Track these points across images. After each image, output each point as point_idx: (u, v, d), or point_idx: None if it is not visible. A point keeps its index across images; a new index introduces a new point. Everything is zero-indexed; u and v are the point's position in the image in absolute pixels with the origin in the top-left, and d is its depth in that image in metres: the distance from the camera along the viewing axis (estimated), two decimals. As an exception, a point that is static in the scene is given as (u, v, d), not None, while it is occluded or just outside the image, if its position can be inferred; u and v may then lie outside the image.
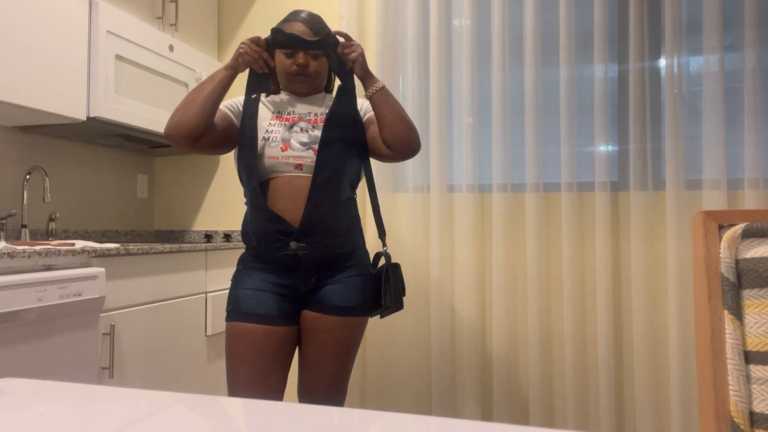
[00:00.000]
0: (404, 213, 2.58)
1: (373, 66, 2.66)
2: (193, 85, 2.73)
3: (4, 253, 1.58)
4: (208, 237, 2.88)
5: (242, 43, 1.62)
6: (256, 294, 1.60)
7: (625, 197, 2.35)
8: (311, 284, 1.63)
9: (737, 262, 0.99)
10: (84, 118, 2.18)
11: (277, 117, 1.68)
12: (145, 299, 2.09)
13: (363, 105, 1.75)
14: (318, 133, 1.64)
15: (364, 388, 2.63)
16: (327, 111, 1.69)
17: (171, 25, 2.66)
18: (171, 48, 2.59)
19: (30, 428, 0.49)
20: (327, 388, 1.64)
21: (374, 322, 2.61)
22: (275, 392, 1.58)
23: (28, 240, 2.30)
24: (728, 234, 1.00)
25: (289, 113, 1.70)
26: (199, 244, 2.36)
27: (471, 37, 2.50)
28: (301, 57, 1.65)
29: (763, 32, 2.20)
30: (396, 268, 1.71)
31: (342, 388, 1.68)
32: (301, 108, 1.72)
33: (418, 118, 2.56)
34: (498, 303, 2.42)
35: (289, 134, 1.64)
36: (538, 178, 2.41)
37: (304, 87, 1.70)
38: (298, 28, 1.66)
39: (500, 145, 2.44)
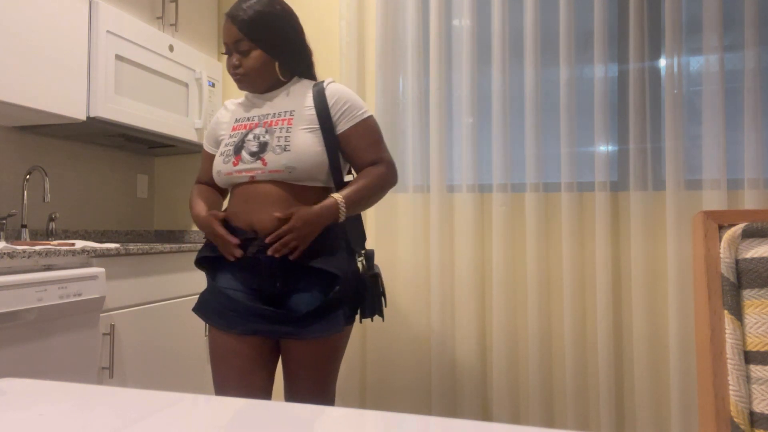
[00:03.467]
0: (404, 213, 2.58)
1: (373, 66, 2.66)
2: (193, 85, 2.73)
3: (4, 253, 1.58)
4: (208, 237, 2.88)
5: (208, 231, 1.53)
6: (229, 294, 1.52)
7: (625, 197, 2.35)
8: (277, 289, 1.50)
9: (737, 262, 0.99)
10: (84, 118, 2.18)
11: (236, 125, 1.61)
12: (145, 299, 2.09)
13: (335, 99, 1.55)
14: (268, 138, 1.51)
15: (364, 388, 2.63)
16: (288, 109, 1.55)
17: (171, 25, 2.66)
18: (171, 48, 2.59)
19: (30, 428, 0.49)
20: (312, 398, 1.56)
21: (374, 321, 2.61)
22: (259, 390, 1.52)
23: (28, 240, 2.30)
24: (728, 234, 0.99)
25: (247, 119, 1.60)
26: (199, 244, 2.36)
27: (471, 37, 2.50)
28: (234, 58, 1.55)
29: (763, 32, 2.19)
30: (375, 278, 1.58)
31: (328, 394, 1.59)
32: (261, 109, 1.60)
33: (418, 118, 2.56)
34: (498, 303, 2.42)
35: (242, 144, 1.54)
36: (538, 178, 2.41)
37: (247, 87, 1.59)
38: (226, 26, 1.55)
39: (500, 145, 2.44)
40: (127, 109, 2.34)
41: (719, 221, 1.02)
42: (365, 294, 1.56)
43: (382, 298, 1.61)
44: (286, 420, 0.53)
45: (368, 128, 1.58)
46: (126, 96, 2.34)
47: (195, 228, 3.07)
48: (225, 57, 1.58)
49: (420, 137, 2.56)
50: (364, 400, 2.61)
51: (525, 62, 2.43)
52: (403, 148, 2.60)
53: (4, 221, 2.21)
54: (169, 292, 2.21)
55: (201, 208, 1.61)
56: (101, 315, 1.88)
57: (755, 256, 0.97)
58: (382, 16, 2.62)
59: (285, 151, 1.48)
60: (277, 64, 1.57)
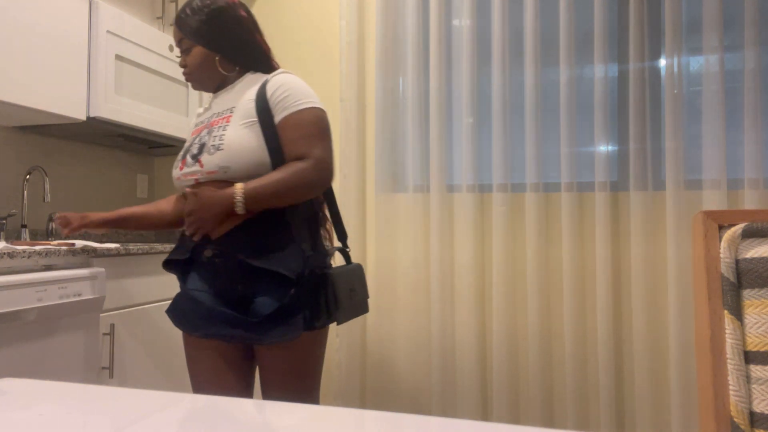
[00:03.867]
0: (404, 213, 2.58)
1: (373, 66, 2.66)
2: (193, 85, 2.73)
3: (4, 253, 1.58)
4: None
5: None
6: (195, 297, 1.47)
7: (625, 197, 2.35)
8: (239, 292, 1.42)
9: (737, 262, 0.99)
10: (84, 118, 2.18)
11: (194, 130, 1.57)
12: (145, 299, 2.09)
13: (275, 89, 1.45)
14: (206, 139, 1.45)
15: (364, 388, 2.63)
16: (230, 105, 1.48)
17: (171, 25, 2.66)
18: (171, 48, 2.59)
19: (30, 428, 0.49)
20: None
21: (374, 321, 2.61)
22: (232, 392, 1.48)
23: (28, 240, 2.30)
24: (728, 234, 0.99)
25: (201, 122, 1.56)
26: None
27: (471, 37, 2.50)
28: (181, 59, 1.54)
29: (763, 32, 2.19)
30: (326, 277, 1.45)
31: (306, 402, 1.48)
32: (211, 109, 1.56)
33: (418, 118, 2.56)
34: (498, 303, 2.42)
35: (189, 148, 1.51)
36: (538, 178, 2.41)
37: (198, 86, 1.57)
38: (173, 30, 1.55)
39: (500, 145, 2.44)
40: (127, 109, 2.33)
41: (719, 221, 1.02)
42: (320, 297, 1.43)
43: (332, 302, 1.46)
44: (286, 420, 0.53)
45: (303, 119, 1.42)
46: (126, 96, 2.34)
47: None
48: None
49: (420, 137, 2.56)
50: (364, 400, 2.61)
51: (525, 62, 2.43)
52: (403, 148, 2.60)
53: (4, 221, 2.21)
54: (169, 292, 2.21)
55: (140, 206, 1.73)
56: (101, 315, 1.88)
57: (755, 256, 0.97)
58: (382, 16, 2.62)
59: (218, 150, 1.40)
60: (217, 59, 1.51)
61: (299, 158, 1.41)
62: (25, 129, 2.36)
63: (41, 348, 1.66)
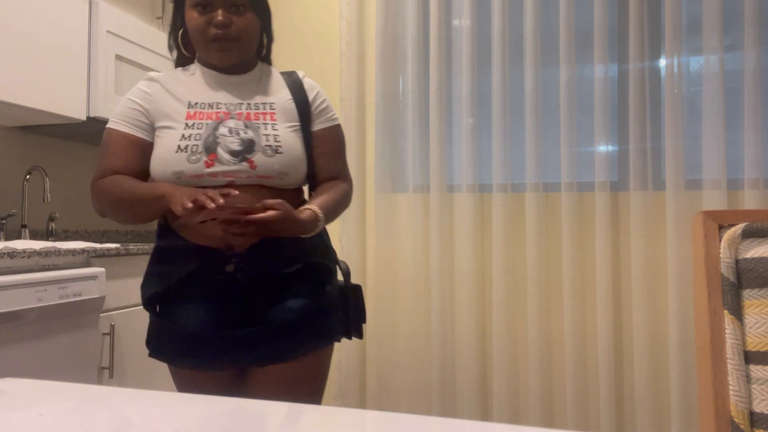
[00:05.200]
0: (404, 213, 2.58)
1: (373, 66, 2.66)
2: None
3: (4, 253, 1.58)
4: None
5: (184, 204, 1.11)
6: (192, 328, 1.23)
7: (625, 197, 2.35)
8: (256, 306, 1.25)
9: (737, 262, 0.99)
10: (84, 118, 2.18)
11: (192, 111, 1.27)
12: (145, 299, 2.09)
13: (315, 93, 1.38)
14: (252, 135, 1.24)
15: (364, 388, 2.63)
16: (266, 99, 1.31)
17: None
18: (170, 48, 2.59)
19: (30, 428, 0.49)
20: None
21: (374, 321, 2.61)
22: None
23: (28, 240, 2.30)
24: (728, 234, 0.99)
25: (209, 105, 1.28)
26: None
27: (471, 37, 2.50)
28: (219, 13, 1.24)
29: (763, 32, 2.19)
30: (357, 290, 1.36)
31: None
32: (229, 95, 1.30)
33: (418, 118, 2.56)
34: (498, 303, 2.42)
35: (215, 139, 1.22)
36: (538, 178, 2.41)
37: (228, 57, 1.28)
38: None
39: (500, 145, 2.44)
40: (127, 109, 2.33)
41: (719, 221, 1.02)
42: (347, 307, 1.35)
43: (361, 315, 1.38)
44: (286, 420, 0.53)
45: (340, 135, 1.40)
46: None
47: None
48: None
49: (420, 137, 2.56)
50: (364, 400, 2.61)
51: (525, 62, 2.43)
52: (403, 148, 2.60)
53: (4, 221, 2.21)
54: (169, 292, 2.21)
55: (153, 184, 1.26)
56: (101, 315, 1.88)
57: (755, 256, 0.97)
58: (382, 16, 2.62)
59: (277, 153, 1.24)
60: (263, 36, 1.37)
61: (335, 177, 1.37)
62: (25, 129, 2.37)
63: (41, 348, 1.66)
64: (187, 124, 1.25)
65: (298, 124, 1.31)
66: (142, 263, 2.11)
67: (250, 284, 1.23)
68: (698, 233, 1.02)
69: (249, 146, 1.23)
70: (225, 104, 1.28)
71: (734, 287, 0.98)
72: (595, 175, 2.33)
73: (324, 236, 1.34)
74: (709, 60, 2.22)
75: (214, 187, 1.17)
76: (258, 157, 1.22)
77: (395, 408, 2.56)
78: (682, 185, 2.24)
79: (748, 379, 0.94)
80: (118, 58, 2.30)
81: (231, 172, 1.21)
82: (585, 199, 2.39)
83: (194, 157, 1.21)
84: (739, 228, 0.99)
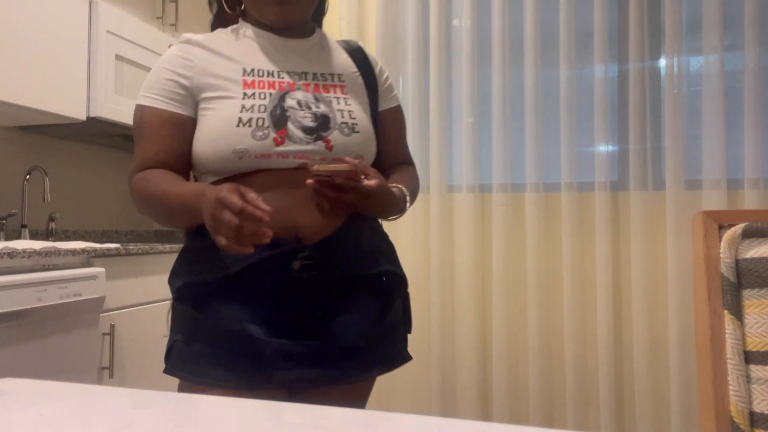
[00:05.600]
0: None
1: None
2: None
3: (4, 253, 1.58)
4: (208, 237, 2.88)
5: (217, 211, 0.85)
6: (242, 333, 0.98)
7: (625, 197, 2.35)
8: (318, 316, 1.02)
9: (737, 262, 0.99)
10: (84, 118, 2.18)
11: (250, 79, 1.05)
12: (145, 299, 2.09)
13: (380, 67, 1.22)
14: (325, 110, 1.04)
15: (364, 388, 2.62)
16: (333, 70, 1.12)
17: (171, 25, 2.66)
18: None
19: (30, 428, 0.49)
20: None
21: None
22: None
23: (28, 240, 2.30)
24: (728, 234, 0.99)
25: (269, 73, 1.06)
26: (199, 244, 2.35)
27: (471, 37, 2.50)
28: None
29: (763, 32, 2.19)
30: (408, 299, 1.19)
31: None
32: (289, 61, 1.09)
33: (418, 118, 2.56)
34: (498, 303, 2.42)
35: (283, 111, 1.02)
36: (538, 178, 2.41)
37: (288, 12, 1.06)
38: None
39: (500, 145, 2.44)
40: (127, 109, 2.33)
41: (719, 221, 1.02)
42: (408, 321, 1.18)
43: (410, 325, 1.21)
44: (286, 420, 0.53)
45: (402, 117, 1.25)
46: (126, 96, 2.34)
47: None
48: None
49: (420, 137, 2.56)
50: (364, 400, 2.61)
51: (525, 62, 2.43)
52: (403, 148, 2.60)
53: (4, 221, 2.21)
54: (169, 292, 2.21)
55: (190, 184, 1.02)
56: (101, 315, 1.88)
57: (755, 256, 0.97)
58: (382, 16, 2.62)
59: (354, 132, 1.05)
60: None
61: (404, 161, 1.24)
62: (25, 129, 2.36)
63: (41, 348, 1.66)
64: (246, 94, 1.02)
65: (366, 101, 1.14)
66: (142, 263, 2.11)
67: (318, 287, 1.01)
68: (698, 233, 1.02)
69: (324, 122, 1.03)
70: (288, 72, 1.07)
71: (734, 287, 0.98)
72: (595, 175, 2.33)
73: (385, 236, 1.17)
74: (709, 60, 2.22)
75: (282, 171, 1.00)
76: (335, 136, 1.03)
77: (395, 408, 2.56)
78: (682, 185, 2.24)
79: (748, 379, 0.94)
80: (118, 58, 2.30)
81: (304, 152, 1.00)
82: (585, 199, 2.39)
83: (261, 133, 0.99)
84: (739, 228, 0.99)
